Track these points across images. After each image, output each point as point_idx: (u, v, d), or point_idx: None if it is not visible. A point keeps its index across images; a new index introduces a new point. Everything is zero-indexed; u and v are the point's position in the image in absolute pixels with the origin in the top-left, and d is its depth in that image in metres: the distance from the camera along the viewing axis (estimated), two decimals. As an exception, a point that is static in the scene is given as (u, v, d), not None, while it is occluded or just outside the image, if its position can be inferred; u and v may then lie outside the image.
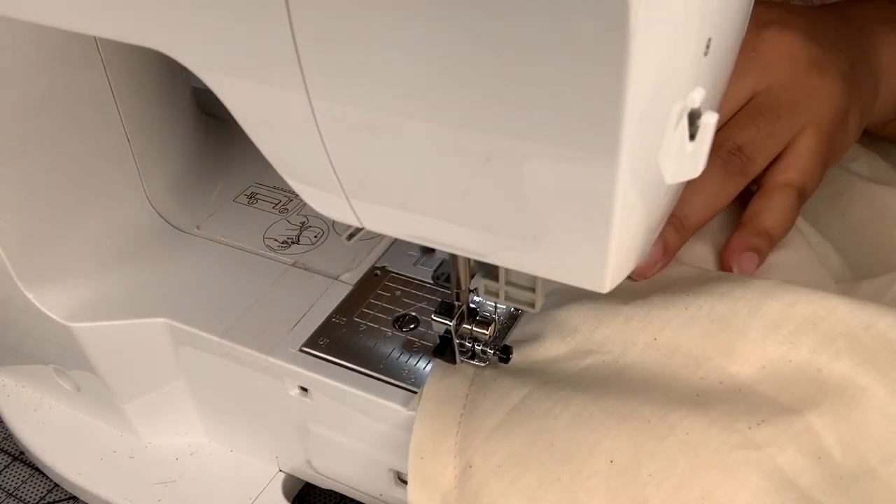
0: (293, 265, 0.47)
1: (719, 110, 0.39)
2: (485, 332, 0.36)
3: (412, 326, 0.42)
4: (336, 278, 0.45)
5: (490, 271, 0.33)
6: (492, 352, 0.36)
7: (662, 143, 0.22)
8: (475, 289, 0.34)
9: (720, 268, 0.40)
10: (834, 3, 0.47)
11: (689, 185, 0.37)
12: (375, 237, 0.47)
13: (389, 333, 0.41)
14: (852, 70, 0.41)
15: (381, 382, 0.39)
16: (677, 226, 0.38)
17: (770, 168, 0.40)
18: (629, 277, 0.38)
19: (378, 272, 0.45)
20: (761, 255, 0.39)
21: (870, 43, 0.43)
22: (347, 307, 0.43)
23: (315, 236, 0.49)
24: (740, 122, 0.39)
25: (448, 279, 0.35)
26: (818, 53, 0.40)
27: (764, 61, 0.39)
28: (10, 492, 0.51)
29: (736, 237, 0.39)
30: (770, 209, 0.39)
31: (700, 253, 0.41)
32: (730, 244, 0.39)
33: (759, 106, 0.39)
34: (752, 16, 0.39)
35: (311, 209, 0.28)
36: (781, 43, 0.39)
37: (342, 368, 0.40)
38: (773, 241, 0.39)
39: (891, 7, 0.45)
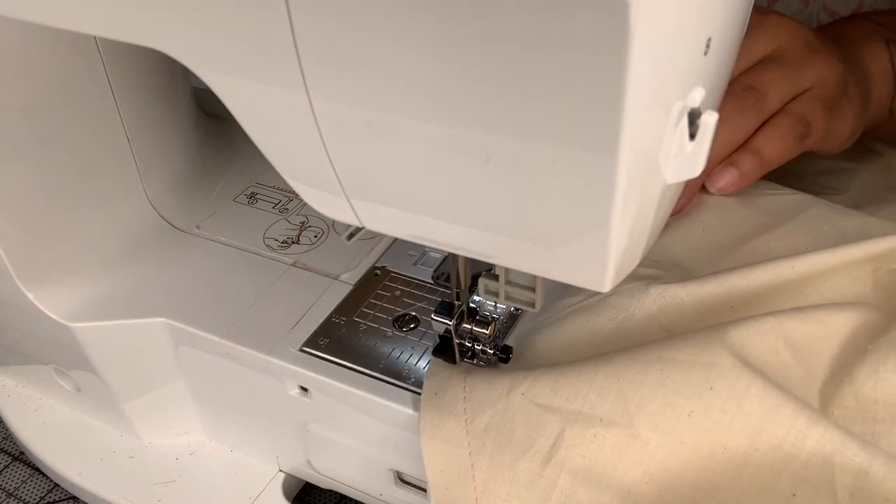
0: (293, 265, 0.47)
1: (734, 70, 0.39)
2: (485, 331, 0.36)
3: (412, 326, 0.42)
4: (336, 278, 0.45)
5: (490, 271, 0.33)
6: (492, 351, 0.36)
7: (662, 143, 0.22)
8: (475, 288, 0.34)
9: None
10: (819, 27, 0.49)
11: None
12: (375, 237, 0.47)
13: (389, 333, 0.41)
14: (845, 66, 0.42)
15: (381, 382, 0.39)
16: None
17: None
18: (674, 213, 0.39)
19: (378, 272, 0.45)
20: (743, 172, 0.39)
21: (857, 54, 0.45)
22: (347, 307, 0.43)
23: (315, 236, 0.49)
24: (753, 69, 0.40)
25: (448, 279, 0.35)
26: (813, 37, 0.41)
27: (770, 32, 0.41)
28: (10, 492, 0.51)
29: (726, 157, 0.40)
30: (767, 134, 0.39)
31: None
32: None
33: (768, 59, 0.40)
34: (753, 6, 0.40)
35: (311, 209, 0.28)
36: (783, 21, 0.41)
37: (342, 368, 0.40)
38: (761, 160, 0.39)
39: (869, 25, 0.47)
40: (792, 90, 0.40)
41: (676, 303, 0.35)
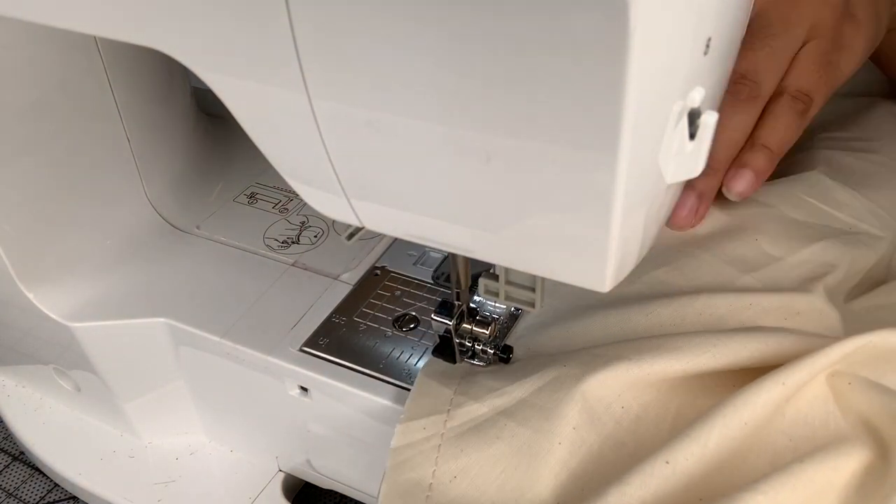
0: (293, 265, 0.47)
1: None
2: (484, 331, 0.36)
3: (412, 326, 0.42)
4: (336, 278, 0.45)
5: (490, 271, 0.33)
6: (492, 351, 0.36)
7: (662, 143, 0.22)
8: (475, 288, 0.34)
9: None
10: None
11: None
12: (375, 237, 0.47)
13: (389, 333, 0.41)
14: None
15: (381, 382, 0.39)
16: (706, 170, 0.38)
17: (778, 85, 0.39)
18: (667, 225, 0.38)
19: (378, 272, 0.45)
20: (757, 171, 0.38)
21: None
22: (347, 307, 0.43)
23: (315, 236, 0.49)
24: (740, 52, 0.39)
25: (448, 279, 0.35)
26: None
27: None
28: (10, 492, 0.51)
29: (734, 161, 0.38)
30: (769, 125, 0.38)
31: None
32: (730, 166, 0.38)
33: (750, 30, 0.38)
34: None
35: (311, 209, 0.28)
36: None
37: (342, 368, 0.40)
38: (771, 154, 0.38)
39: None
40: (786, 59, 0.38)
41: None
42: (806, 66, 0.38)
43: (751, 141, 0.38)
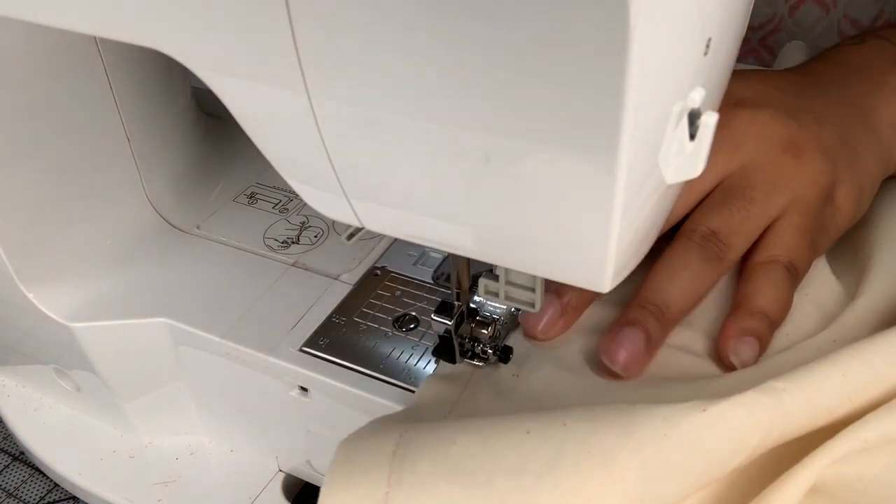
0: (293, 265, 0.47)
1: (690, 187, 0.36)
2: (484, 331, 0.36)
3: (412, 326, 0.42)
4: (336, 278, 0.45)
5: (490, 271, 0.33)
6: (491, 352, 0.36)
7: (662, 143, 0.22)
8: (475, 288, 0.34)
9: (717, 358, 0.36)
10: (835, 48, 0.44)
11: (666, 273, 0.36)
12: (375, 237, 0.47)
13: (389, 333, 0.41)
14: (843, 141, 0.38)
15: (381, 382, 0.39)
16: (658, 316, 0.35)
17: (751, 251, 0.37)
18: (618, 376, 0.35)
19: (378, 272, 0.45)
20: (761, 340, 0.35)
21: (874, 103, 0.40)
22: (347, 307, 0.43)
23: (315, 236, 0.49)
24: (712, 204, 0.37)
25: (448, 279, 0.35)
26: (795, 131, 0.37)
27: (736, 140, 0.37)
28: (10, 492, 0.51)
29: (728, 323, 0.36)
30: (759, 287, 0.36)
31: (689, 342, 0.37)
32: (724, 332, 0.36)
33: (730, 188, 0.37)
34: (726, 91, 0.34)
35: (311, 209, 0.28)
36: (754, 122, 0.37)
37: (342, 368, 0.40)
38: (771, 322, 0.36)
39: (889, 48, 0.42)
40: (760, 226, 0.37)
41: None
42: (795, 240, 0.37)
43: (747, 306, 0.36)
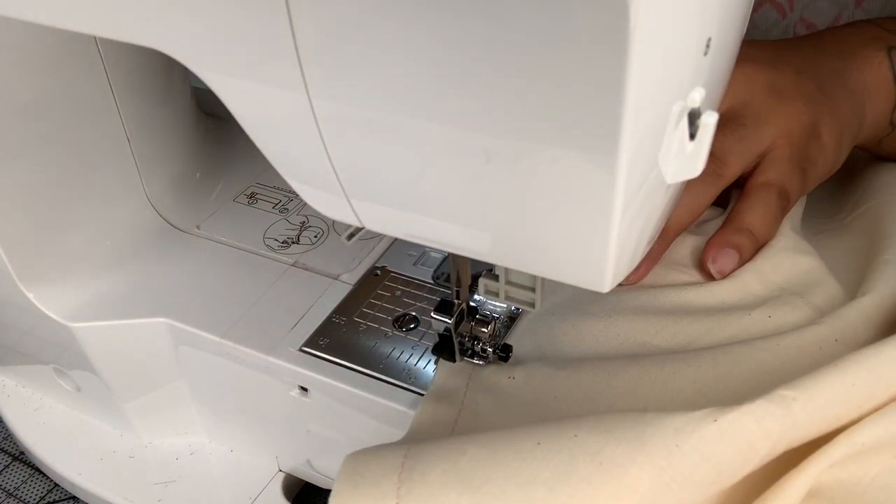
0: (293, 265, 0.47)
1: None
2: (484, 330, 0.36)
3: (412, 326, 0.42)
4: (336, 278, 0.45)
5: (490, 271, 0.33)
6: (491, 350, 0.36)
7: (662, 143, 0.22)
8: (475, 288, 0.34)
9: (699, 267, 0.40)
10: (816, 33, 0.47)
11: None
12: (375, 237, 0.47)
13: (389, 333, 0.41)
14: (820, 89, 0.41)
15: (381, 382, 0.39)
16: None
17: (747, 177, 0.40)
18: (620, 284, 0.38)
19: (378, 272, 0.45)
20: (742, 253, 0.38)
21: (848, 65, 0.43)
22: (347, 307, 0.43)
23: (315, 236, 0.49)
24: None
25: (448, 279, 0.35)
26: (777, 77, 0.40)
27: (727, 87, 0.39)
28: (10, 492, 0.51)
29: (716, 234, 0.39)
30: (750, 207, 0.39)
31: (682, 258, 0.40)
32: (709, 242, 0.39)
33: (724, 119, 0.39)
34: None
35: (311, 209, 0.28)
36: (738, 72, 0.39)
37: (342, 368, 0.40)
38: (755, 239, 0.39)
39: (872, 30, 0.45)
40: (753, 150, 0.39)
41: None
42: (787, 166, 0.39)
43: (736, 222, 0.39)
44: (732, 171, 0.39)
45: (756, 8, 0.53)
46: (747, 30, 0.54)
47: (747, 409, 0.28)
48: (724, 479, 0.28)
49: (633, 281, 0.39)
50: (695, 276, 0.40)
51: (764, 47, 0.42)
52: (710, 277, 0.39)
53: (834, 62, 0.43)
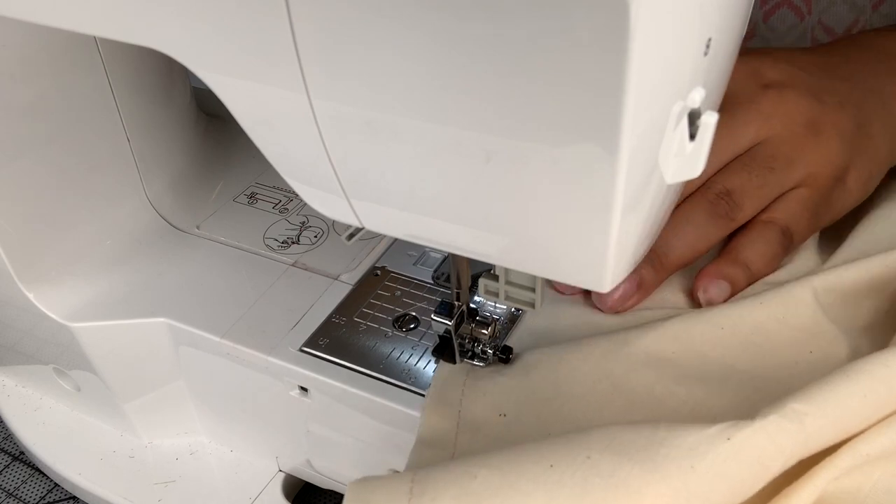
0: (293, 265, 0.47)
1: (719, 154, 0.38)
2: (484, 331, 0.36)
3: (412, 326, 0.42)
4: (336, 278, 0.45)
5: (490, 271, 0.33)
6: (491, 351, 0.36)
7: (662, 143, 0.22)
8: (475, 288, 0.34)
9: (690, 296, 0.39)
10: (863, 32, 0.45)
11: (672, 224, 0.37)
12: (375, 237, 0.47)
13: (389, 333, 0.41)
14: (859, 126, 0.40)
15: (380, 382, 0.39)
16: (655, 262, 0.37)
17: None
18: (600, 310, 0.38)
19: (378, 272, 0.45)
20: (734, 286, 0.37)
21: (894, 90, 0.42)
22: (347, 307, 0.43)
23: (315, 236, 0.49)
24: (734, 168, 0.38)
25: (448, 279, 0.35)
26: (818, 112, 0.39)
27: (763, 115, 0.39)
28: (10, 492, 0.51)
29: (710, 265, 0.38)
30: (750, 241, 0.38)
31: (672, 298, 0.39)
32: (703, 270, 0.38)
33: (755, 155, 0.38)
34: (755, 69, 0.39)
35: (311, 209, 0.28)
36: (781, 101, 0.39)
37: (342, 368, 0.40)
38: (751, 273, 0.38)
39: None
40: (773, 195, 0.38)
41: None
42: (798, 209, 0.38)
43: (733, 255, 0.38)
44: (745, 216, 0.38)
45: (773, 11, 0.53)
46: (764, 34, 0.54)
47: (760, 425, 0.28)
48: (737, 497, 0.28)
49: (625, 309, 0.38)
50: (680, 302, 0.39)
51: (811, 69, 0.41)
52: (697, 305, 0.38)
53: (883, 87, 0.42)
